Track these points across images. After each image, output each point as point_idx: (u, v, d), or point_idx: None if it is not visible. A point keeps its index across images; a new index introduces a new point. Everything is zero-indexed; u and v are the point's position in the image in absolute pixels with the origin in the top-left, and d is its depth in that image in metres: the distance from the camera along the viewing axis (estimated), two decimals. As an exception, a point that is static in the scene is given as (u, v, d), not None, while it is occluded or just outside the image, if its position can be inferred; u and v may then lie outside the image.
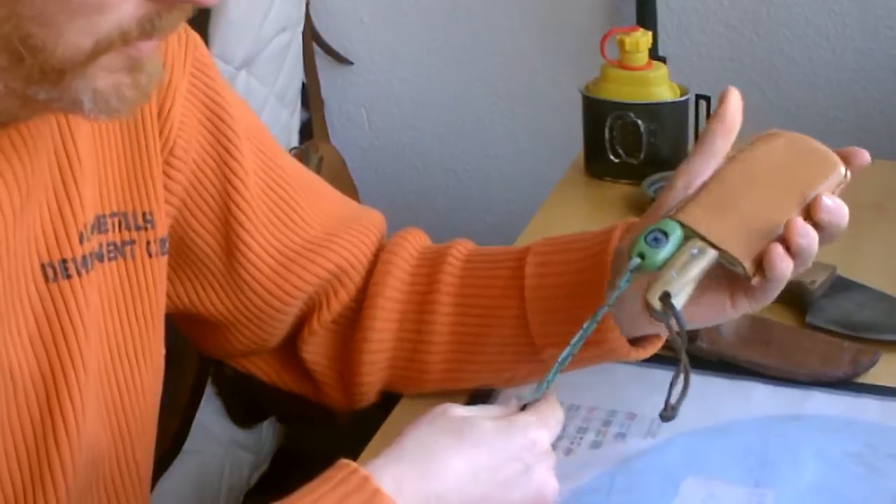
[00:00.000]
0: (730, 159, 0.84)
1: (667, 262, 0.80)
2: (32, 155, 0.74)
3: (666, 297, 0.78)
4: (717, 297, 0.84)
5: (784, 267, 0.80)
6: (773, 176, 0.83)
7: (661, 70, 1.43)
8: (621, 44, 1.42)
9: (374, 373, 0.97)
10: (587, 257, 0.91)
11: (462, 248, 0.98)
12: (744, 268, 0.81)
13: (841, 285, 1.16)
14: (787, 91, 1.85)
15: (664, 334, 0.89)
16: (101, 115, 0.68)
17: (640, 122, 1.41)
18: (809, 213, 0.81)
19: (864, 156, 0.84)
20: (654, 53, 1.55)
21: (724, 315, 0.85)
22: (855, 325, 1.10)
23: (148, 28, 0.66)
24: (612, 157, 1.45)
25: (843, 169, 0.83)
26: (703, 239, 0.80)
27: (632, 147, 1.43)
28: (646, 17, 1.80)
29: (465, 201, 2.12)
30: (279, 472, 1.90)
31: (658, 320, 0.80)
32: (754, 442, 0.94)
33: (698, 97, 1.41)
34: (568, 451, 0.95)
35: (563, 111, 1.90)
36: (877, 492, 0.88)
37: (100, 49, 0.65)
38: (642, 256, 0.80)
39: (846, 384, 1.02)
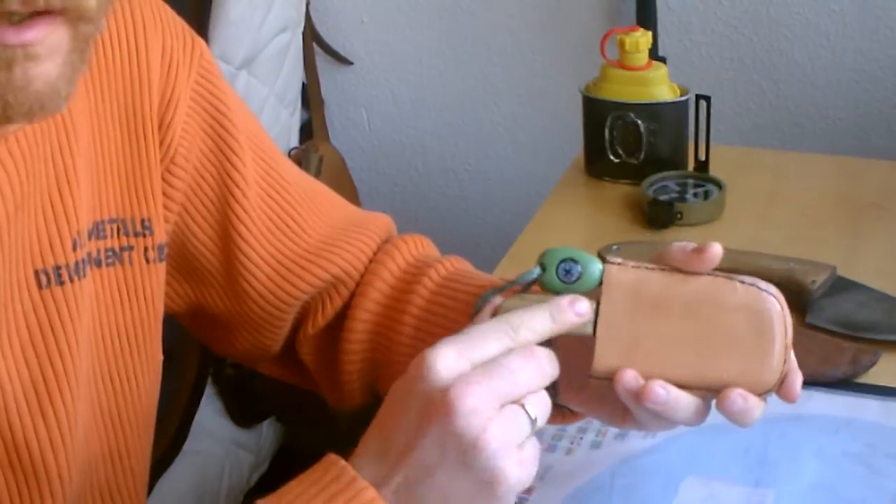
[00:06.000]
0: (706, 274, 0.74)
1: (544, 290, 0.74)
2: (27, 161, 0.74)
3: (495, 313, 0.74)
4: (613, 409, 0.80)
5: (632, 406, 0.74)
6: (708, 330, 0.73)
7: (661, 70, 1.43)
8: (621, 44, 1.42)
9: (352, 381, 0.97)
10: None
11: (447, 266, 0.96)
12: (592, 368, 0.74)
13: (841, 285, 1.16)
14: (787, 91, 1.85)
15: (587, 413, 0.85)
16: None
17: (640, 122, 1.41)
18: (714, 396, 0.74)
19: (797, 392, 0.75)
20: (654, 53, 1.55)
21: (614, 422, 0.81)
22: (855, 325, 1.10)
23: None
24: (612, 157, 1.45)
25: (769, 386, 0.73)
26: (595, 308, 0.73)
27: (632, 147, 1.43)
28: (646, 17, 1.81)
29: (464, 201, 2.12)
30: (279, 472, 1.90)
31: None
32: (754, 442, 0.94)
33: (698, 97, 1.41)
34: (568, 451, 0.95)
35: (563, 111, 1.90)
36: (877, 492, 0.88)
37: None
38: (543, 268, 0.75)
39: (846, 384, 1.02)
